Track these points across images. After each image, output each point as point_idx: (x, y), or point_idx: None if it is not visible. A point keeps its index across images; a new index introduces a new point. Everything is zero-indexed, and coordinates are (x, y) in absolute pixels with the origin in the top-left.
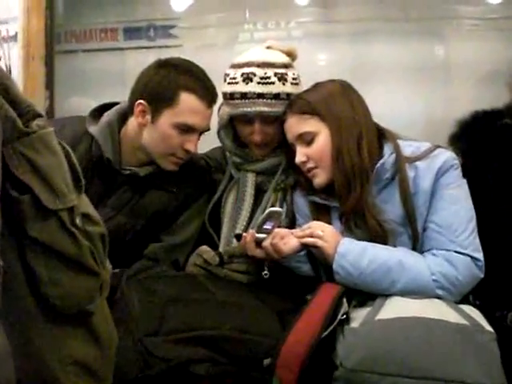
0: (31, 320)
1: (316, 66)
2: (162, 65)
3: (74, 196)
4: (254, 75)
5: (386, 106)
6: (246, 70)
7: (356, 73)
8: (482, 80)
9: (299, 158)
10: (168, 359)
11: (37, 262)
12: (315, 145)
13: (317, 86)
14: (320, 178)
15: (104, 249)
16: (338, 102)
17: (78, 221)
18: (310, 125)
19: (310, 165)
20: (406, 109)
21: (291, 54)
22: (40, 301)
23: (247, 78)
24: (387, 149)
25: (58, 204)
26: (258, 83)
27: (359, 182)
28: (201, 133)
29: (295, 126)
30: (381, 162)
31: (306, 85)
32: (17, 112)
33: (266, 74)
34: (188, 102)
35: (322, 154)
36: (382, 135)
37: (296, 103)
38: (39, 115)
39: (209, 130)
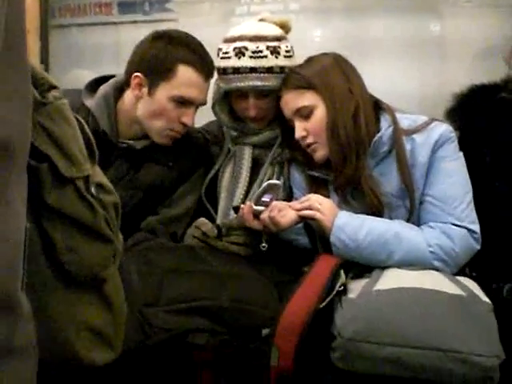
0: (47, 286)
1: (312, 39)
2: (158, 37)
3: (88, 165)
4: (246, 49)
5: (381, 80)
6: (239, 44)
7: (352, 47)
8: (476, 56)
9: (298, 133)
10: (167, 329)
11: (53, 229)
12: (313, 119)
13: (310, 59)
14: (320, 153)
15: (117, 218)
16: (332, 75)
17: (92, 189)
18: (307, 99)
19: (310, 140)
20: (402, 84)
21: (285, 27)
22: (56, 267)
23: (239, 53)
24: (384, 121)
25: (75, 172)
26: (251, 57)
27: (355, 155)
28: (197, 106)
29: (292, 101)
30: (378, 135)
31: (302, 58)
32: (33, 84)
33: (258, 47)
34: (185, 75)
35: (319, 127)
36: (378, 107)
37: (290, 78)
38: (54, 87)
39: (205, 103)
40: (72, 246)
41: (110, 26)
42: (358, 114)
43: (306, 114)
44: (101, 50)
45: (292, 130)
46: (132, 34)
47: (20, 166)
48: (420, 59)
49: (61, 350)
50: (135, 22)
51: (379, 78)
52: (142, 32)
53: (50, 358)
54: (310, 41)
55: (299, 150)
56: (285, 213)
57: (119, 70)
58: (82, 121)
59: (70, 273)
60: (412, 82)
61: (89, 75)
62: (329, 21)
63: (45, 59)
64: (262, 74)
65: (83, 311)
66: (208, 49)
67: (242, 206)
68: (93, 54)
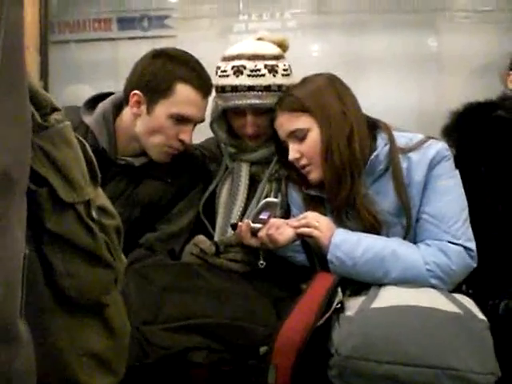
0: (47, 311)
1: (310, 56)
2: (157, 55)
3: (90, 189)
4: (245, 68)
5: (379, 97)
6: (237, 62)
7: (350, 64)
8: (474, 72)
9: (292, 155)
10: (165, 347)
11: (53, 253)
12: (307, 141)
13: (304, 81)
14: (314, 175)
15: (119, 241)
16: (326, 97)
17: (94, 213)
18: (301, 122)
19: (304, 162)
20: (399, 100)
21: (282, 45)
22: (56, 292)
23: (238, 71)
24: (381, 140)
25: (75, 197)
26: (249, 76)
27: (349, 178)
28: (195, 124)
29: (286, 123)
30: (375, 153)
31: (300, 76)
32: (34, 106)
33: (256, 66)
34: (184, 93)
35: (313, 150)
36: (374, 126)
37: (285, 100)
38: (57, 109)
39: (204, 120)
40: (72, 271)
41: (108, 42)
42: (352, 136)
43: (300, 136)
44: (100, 66)
45: (287, 149)
46: (131, 50)
47: (20, 193)
48: (418, 75)
49: (62, 376)
50: (134, 38)
51: (377, 94)
52: (141, 48)
53: None
54: (308, 57)
55: (295, 169)
56: (282, 230)
57: (118, 86)
58: (86, 143)
59: (71, 298)
60: (410, 97)
61: (88, 91)
62: (327, 37)
63: (44, 75)
64: (259, 93)
65: (84, 336)
66: (206, 65)
67: (240, 223)
68: (92, 69)
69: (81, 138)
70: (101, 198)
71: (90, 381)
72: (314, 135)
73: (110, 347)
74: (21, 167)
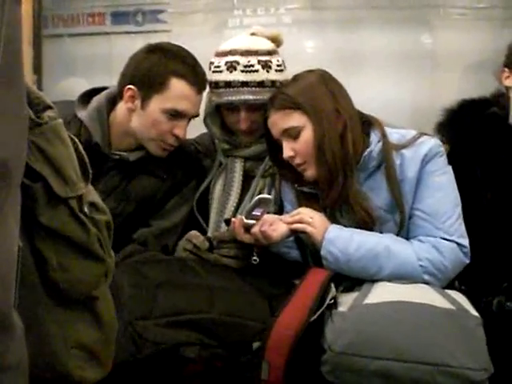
0: (38, 304)
1: (305, 52)
2: (152, 50)
3: (82, 184)
4: (238, 63)
5: (373, 93)
6: (230, 58)
7: (344, 60)
8: (468, 69)
9: (286, 153)
10: (158, 342)
11: (46, 247)
12: (301, 139)
13: (296, 78)
14: (309, 172)
15: (109, 237)
16: (319, 94)
17: (85, 209)
18: (294, 119)
19: (298, 160)
20: (394, 97)
21: (276, 40)
22: (48, 286)
23: (231, 67)
24: (374, 136)
25: (68, 192)
26: (242, 71)
27: (342, 175)
28: (190, 119)
29: (279, 122)
30: (368, 150)
31: (294, 71)
32: (28, 103)
33: (249, 62)
34: (178, 88)
35: (307, 148)
36: (367, 123)
37: (277, 99)
38: (49, 107)
39: (198, 115)
40: (65, 265)
41: (103, 36)
42: (345, 134)
43: (294, 134)
44: (94, 60)
45: (279, 147)
46: (125, 45)
47: (15, 187)
48: (413, 71)
49: (52, 368)
50: (128, 32)
51: (372, 90)
52: (135, 43)
53: (40, 376)
54: (303, 53)
55: (287, 167)
56: (276, 226)
57: (112, 81)
58: (77, 140)
59: (63, 291)
60: (404, 94)
61: (82, 85)
62: (322, 33)
63: (38, 69)
64: (253, 88)
65: (75, 329)
66: (201, 60)
67: (234, 219)
68: (86, 64)
69: (72, 136)
70: (92, 193)
71: (80, 373)
72: (308, 133)
73: (100, 340)
74: (18, 161)
